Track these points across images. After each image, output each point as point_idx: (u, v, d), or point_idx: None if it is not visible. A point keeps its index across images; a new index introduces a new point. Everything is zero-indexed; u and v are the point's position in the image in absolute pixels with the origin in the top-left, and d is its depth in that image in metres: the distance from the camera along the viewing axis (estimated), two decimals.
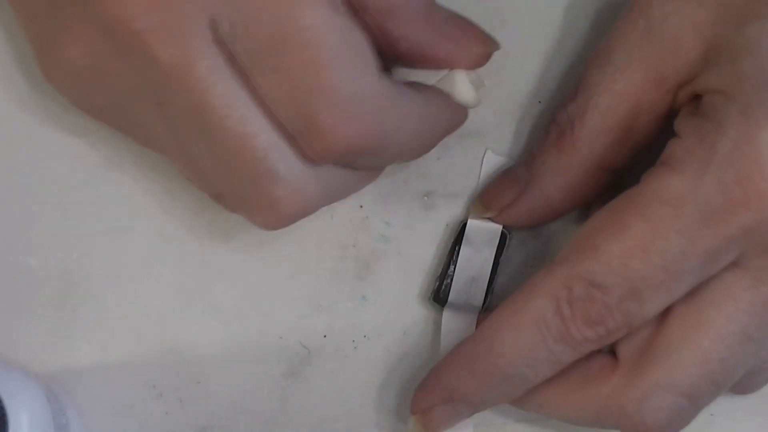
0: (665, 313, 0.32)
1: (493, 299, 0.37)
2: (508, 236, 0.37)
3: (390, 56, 0.32)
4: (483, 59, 0.34)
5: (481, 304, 0.37)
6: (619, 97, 0.33)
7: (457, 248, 0.37)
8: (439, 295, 0.37)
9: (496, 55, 0.38)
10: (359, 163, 0.32)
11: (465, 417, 0.34)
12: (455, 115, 0.34)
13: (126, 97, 0.30)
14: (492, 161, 0.38)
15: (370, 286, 0.38)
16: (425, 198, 0.38)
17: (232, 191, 0.31)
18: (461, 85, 0.34)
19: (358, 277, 0.38)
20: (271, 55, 0.28)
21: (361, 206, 0.38)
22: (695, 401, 0.32)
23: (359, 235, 0.38)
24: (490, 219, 0.37)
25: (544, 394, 0.34)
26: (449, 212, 0.38)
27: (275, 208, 0.31)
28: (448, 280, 0.37)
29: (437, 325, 0.38)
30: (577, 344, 0.32)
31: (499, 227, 0.37)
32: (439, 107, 0.33)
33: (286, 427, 0.38)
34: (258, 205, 0.31)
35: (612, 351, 0.33)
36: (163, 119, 0.30)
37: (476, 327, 0.37)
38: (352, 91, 0.29)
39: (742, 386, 0.34)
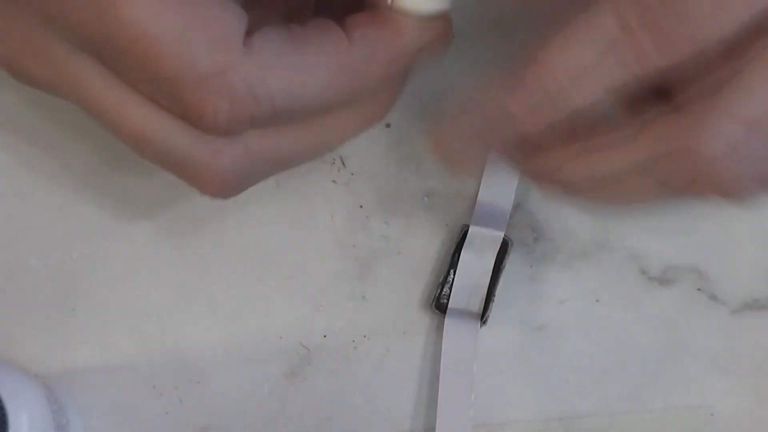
0: (740, 55, 0.28)
1: (494, 307, 0.37)
2: (510, 244, 0.37)
3: None
4: None
5: (481, 311, 0.37)
6: None
7: (457, 254, 0.37)
8: (440, 302, 0.37)
9: (497, 54, 0.38)
10: (284, 120, 0.30)
11: (490, 150, 0.31)
12: (409, 41, 0.30)
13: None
14: (496, 160, 0.38)
15: (370, 286, 0.38)
16: (425, 198, 0.38)
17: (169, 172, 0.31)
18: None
19: (358, 277, 0.38)
20: (114, 54, 0.28)
21: (361, 206, 0.38)
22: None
23: (359, 235, 0.38)
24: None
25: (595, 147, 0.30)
26: (449, 212, 0.38)
27: (207, 181, 0.30)
28: (448, 287, 0.37)
29: (437, 326, 0.38)
30: (640, 63, 0.28)
31: (501, 234, 0.37)
32: (369, 42, 0.30)
33: (286, 427, 0.38)
34: (191, 181, 0.30)
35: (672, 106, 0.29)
36: None
37: (477, 335, 0.37)
38: (208, 69, 0.27)
39: None
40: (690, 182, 0.29)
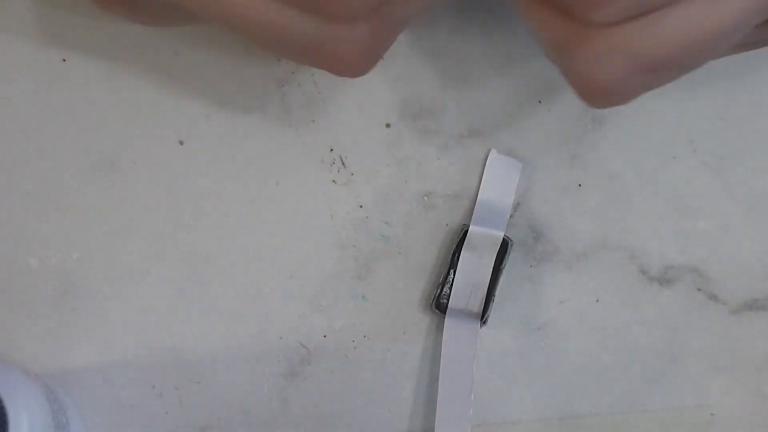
0: None
1: (494, 307, 0.37)
2: (510, 244, 0.37)
3: None
4: None
5: (481, 311, 0.37)
6: None
7: (457, 254, 0.37)
8: (440, 302, 0.37)
9: (497, 55, 0.38)
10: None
11: None
12: None
13: None
14: (496, 160, 0.38)
15: (370, 286, 0.38)
16: (425, 198, 0.38)
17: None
18: None
19: (358, 277, 0.38)
20: None
21: (361, 206, 0.38)
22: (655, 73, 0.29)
23: (359, 235, 0.38)
24: None
25: None
26: (449, 212, 0.38)
27: (348, 55, 0.30)
28: (448, 287, 0.37)
29: (437, 326, 0.38)
30: None
31: (501, 234, 0.37)
32: None
33: (286, 427, 0.38)
34: (332, 60, 0.31)
35: None
36: None
37: (477, 335, 0.37)
38: None
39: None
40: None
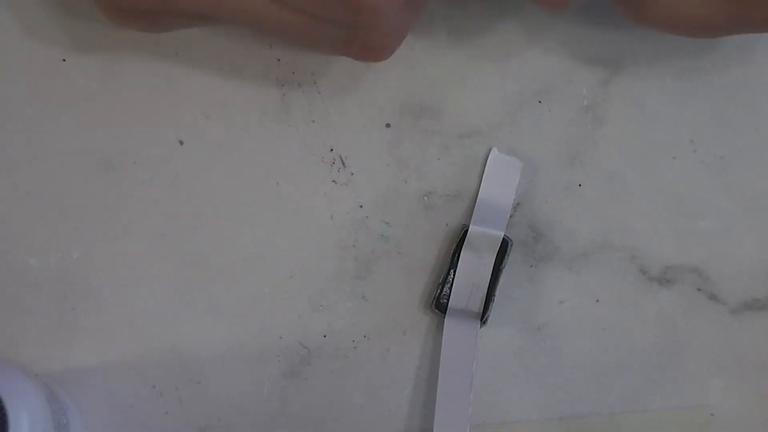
0: None
1: (494, 307, 0.37)
2: (510, 244, 0.37)
3: None
4: None
5: (481, 311, 0.37)
6: None
7: (457, 254, 0.37)
8: (440, 302, 0.37)
9: (497, 55, 0.38)
10: None
11: None
12: None
13: None
14: (497, 159, 0.38)
15: (370, 286, 0.38)
16: (425, 198, 0.38)
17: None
18: None
19: (358, 277, 0.38)
20: None
21: (361, 206, 0.38)
22: None
23: (359, 235, 0.38)
24: None
25: None
26: (449, 212, 0.38)
27: (379, 39, 0.32)
28: (448, 287, 0.37)
29: (437, 326, 0.38)
30: None
31: (501, 234, 0.37)
32: None
33: (286, 427, 0.38)
34: (364, 50, 0.32)
35: None
36: None
37: (477, 335, 0.37)
38: None
39: None
40: None
